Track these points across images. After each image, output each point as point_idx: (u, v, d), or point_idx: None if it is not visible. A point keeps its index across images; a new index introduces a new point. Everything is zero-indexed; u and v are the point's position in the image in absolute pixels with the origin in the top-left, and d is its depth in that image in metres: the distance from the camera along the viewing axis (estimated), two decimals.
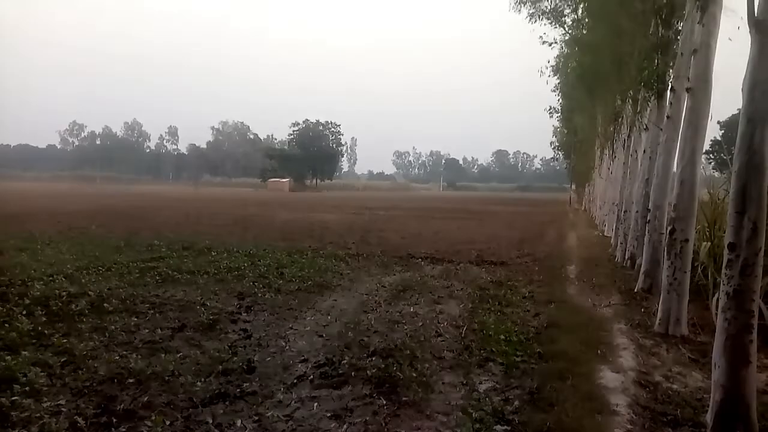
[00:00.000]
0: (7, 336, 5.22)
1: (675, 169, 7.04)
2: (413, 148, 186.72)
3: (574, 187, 56.07)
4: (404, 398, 4.12)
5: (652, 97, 10.31)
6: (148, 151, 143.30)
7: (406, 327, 6.20)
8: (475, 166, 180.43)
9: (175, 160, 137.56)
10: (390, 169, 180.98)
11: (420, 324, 6.34)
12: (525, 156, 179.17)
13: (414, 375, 4.54)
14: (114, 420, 3.63)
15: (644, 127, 11.02)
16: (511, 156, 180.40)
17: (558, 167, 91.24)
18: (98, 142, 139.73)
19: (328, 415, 3.86)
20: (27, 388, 4.03)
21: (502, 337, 5.73)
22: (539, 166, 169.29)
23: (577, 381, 4.47)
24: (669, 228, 6.57)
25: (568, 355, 5.07)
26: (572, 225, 25.26)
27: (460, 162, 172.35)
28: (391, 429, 3.66)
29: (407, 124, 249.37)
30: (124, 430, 3.49)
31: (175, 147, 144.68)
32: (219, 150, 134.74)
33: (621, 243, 12.74)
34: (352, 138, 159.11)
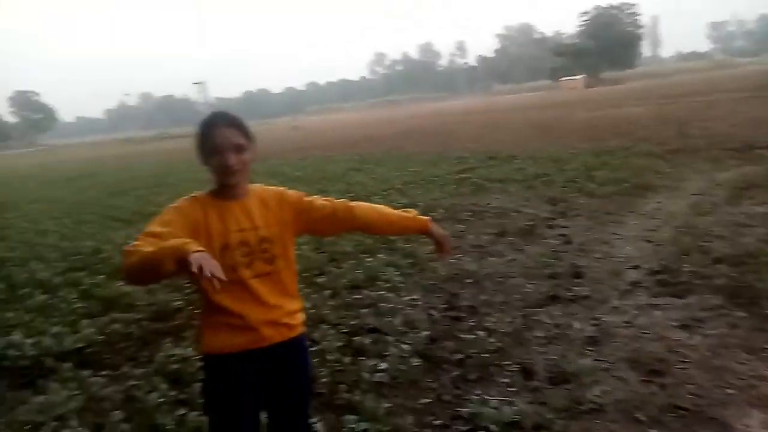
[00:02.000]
0: (364, 242, 6.29)
1: None
2: (733, 14, 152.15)
3: None
4: None
5: None
6: (441, 69, 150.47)
7: (757, 230, 5.29)
8: None
9: (466, 74, 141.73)
10: (704, 46, 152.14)
11: None
12: None
13: None
14: (461, 315, 4.08)
15: None
16: None
17: None
18: (399, 68, 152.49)
19: (674, 324, 3.61)
20: (388, 285, 4.82)
21: None
22: None
23: None
24: None
25: None
26: None
27: None
28: (758, 344, 3.23)
29: None
30: (472, 323, 3.89)
31: (465, 60, 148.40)
32: (506, 56, 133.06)
33: None
34: (653, 17, 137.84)
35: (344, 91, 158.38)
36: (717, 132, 12.70)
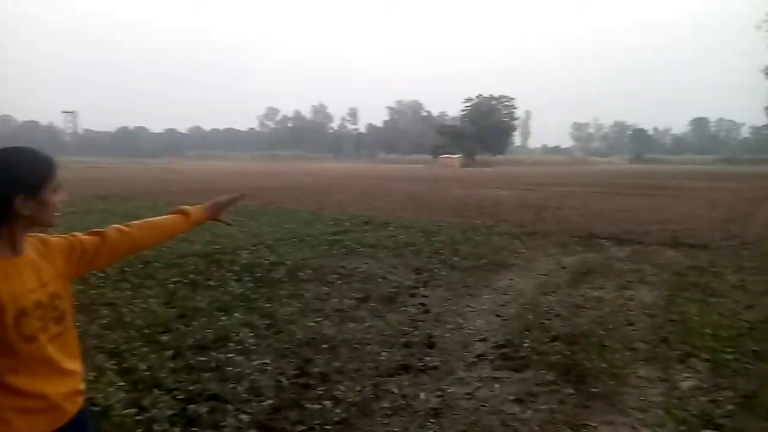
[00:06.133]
0: (221, 298, 6.00)
1: None
2: (594, 119, 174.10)
3: None
4: (593, 389, 3.87)
5: None
6: (331, 131, 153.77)
7: (591, 312, 5.81)
8: (668, 137, 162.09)
9: (354, 139, 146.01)
10: (567, 143, 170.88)
11: (607, 310, 5.90)
12: (730, 124, 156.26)
13: (604, 365, 4.24)
14: (311, 382, 3.95)
15: None
16: (712, 124, 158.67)
17: None
18: (290, 125, 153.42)
19: (511, 398, 3.77)
20: (239, 347, 4.58)
21: (708, 330, 5.07)
22: (748, 135, 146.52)
23: None
24: None
25: None
26: None
27: (650, 132, 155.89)
28: (581, 420, 3.46)
29: (587, 93, 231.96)
30: (320, 392, 3.78)
31: (355, 127, 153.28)
32: (394, 128, 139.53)
33: None
34: (526, 111, 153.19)
35: (230, 141, 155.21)
36: (568, 220, 14.08)
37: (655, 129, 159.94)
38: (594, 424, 3.42)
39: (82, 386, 1.66)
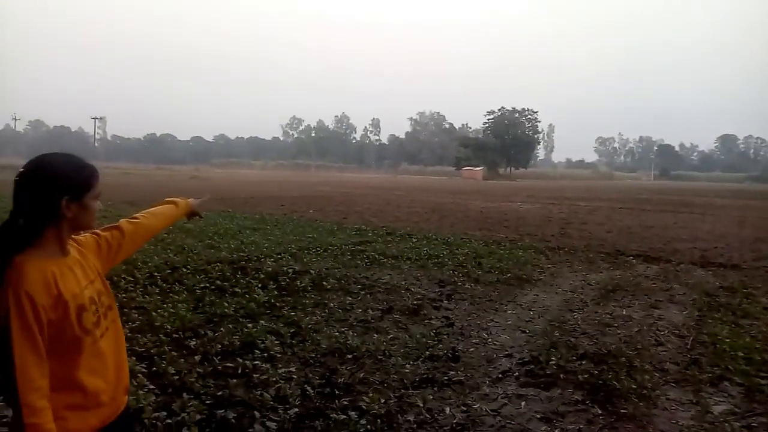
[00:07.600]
0: (247, 305, 6.05)
1: None
2: (619, 133, 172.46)
3: None
4: (622, 410, 3.80)
5: None
6: (354, 141, 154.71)
7: (619, 331, 5.72)
8: (695, 153, 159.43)
9: (377, 150, 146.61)
10: (591, 157, 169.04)
11: (635, 329, 5.80)
12: (759, 141, 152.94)
13: (633, 386, 4.16)
14: (336, 392, 3.96)
15: None
16: (740, 141, 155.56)
17: None
18: (313, 134, 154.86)
19: (538, 416, 3.73)
20: (265, 354, 4.61)
21: (741, 353, 4.95)
22: None
23: None
24: None
25: None
26: None
27: (677, 148, 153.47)
28: None
29: (612, 107, 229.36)
30: (345, 402, 3.78)
31: (378, 138, 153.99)
32: (416, 140, 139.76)
33: None
34: (550, 125, 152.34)
35: (254, 149, 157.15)
36: (594, 236, 13.90)
37: (681, 145, 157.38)
38: None
39: (128, 382, 1.72)
